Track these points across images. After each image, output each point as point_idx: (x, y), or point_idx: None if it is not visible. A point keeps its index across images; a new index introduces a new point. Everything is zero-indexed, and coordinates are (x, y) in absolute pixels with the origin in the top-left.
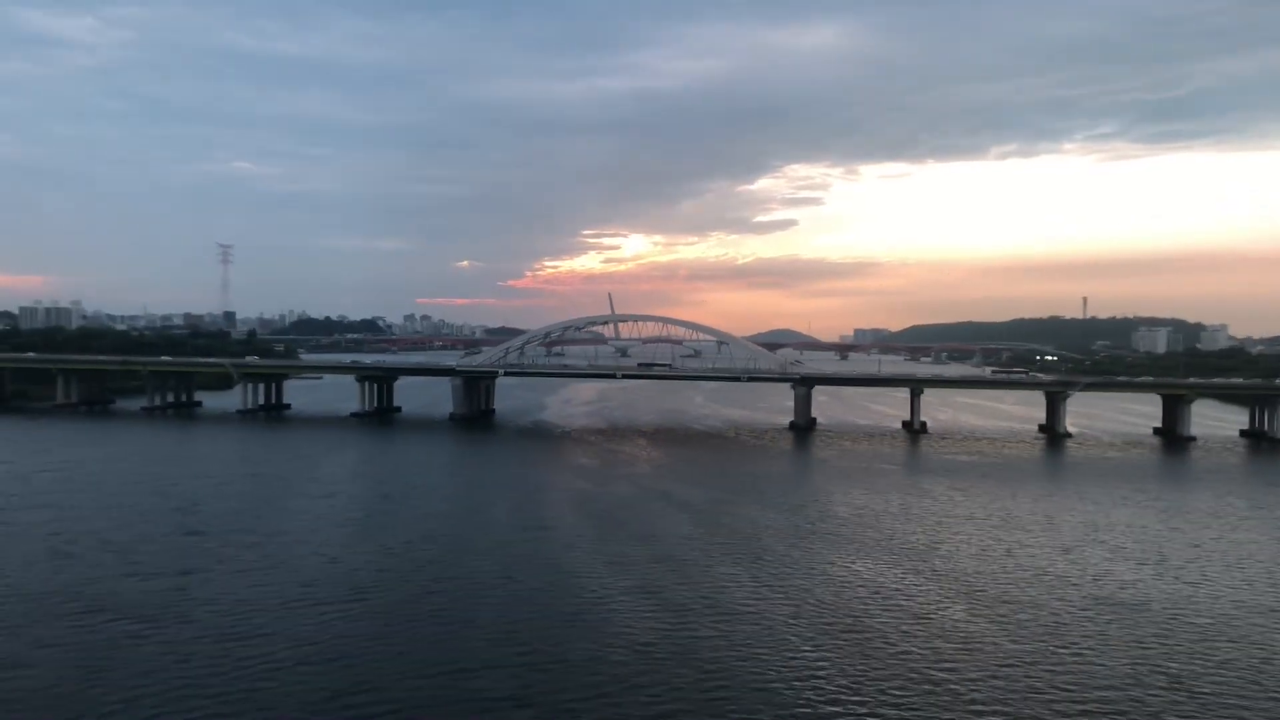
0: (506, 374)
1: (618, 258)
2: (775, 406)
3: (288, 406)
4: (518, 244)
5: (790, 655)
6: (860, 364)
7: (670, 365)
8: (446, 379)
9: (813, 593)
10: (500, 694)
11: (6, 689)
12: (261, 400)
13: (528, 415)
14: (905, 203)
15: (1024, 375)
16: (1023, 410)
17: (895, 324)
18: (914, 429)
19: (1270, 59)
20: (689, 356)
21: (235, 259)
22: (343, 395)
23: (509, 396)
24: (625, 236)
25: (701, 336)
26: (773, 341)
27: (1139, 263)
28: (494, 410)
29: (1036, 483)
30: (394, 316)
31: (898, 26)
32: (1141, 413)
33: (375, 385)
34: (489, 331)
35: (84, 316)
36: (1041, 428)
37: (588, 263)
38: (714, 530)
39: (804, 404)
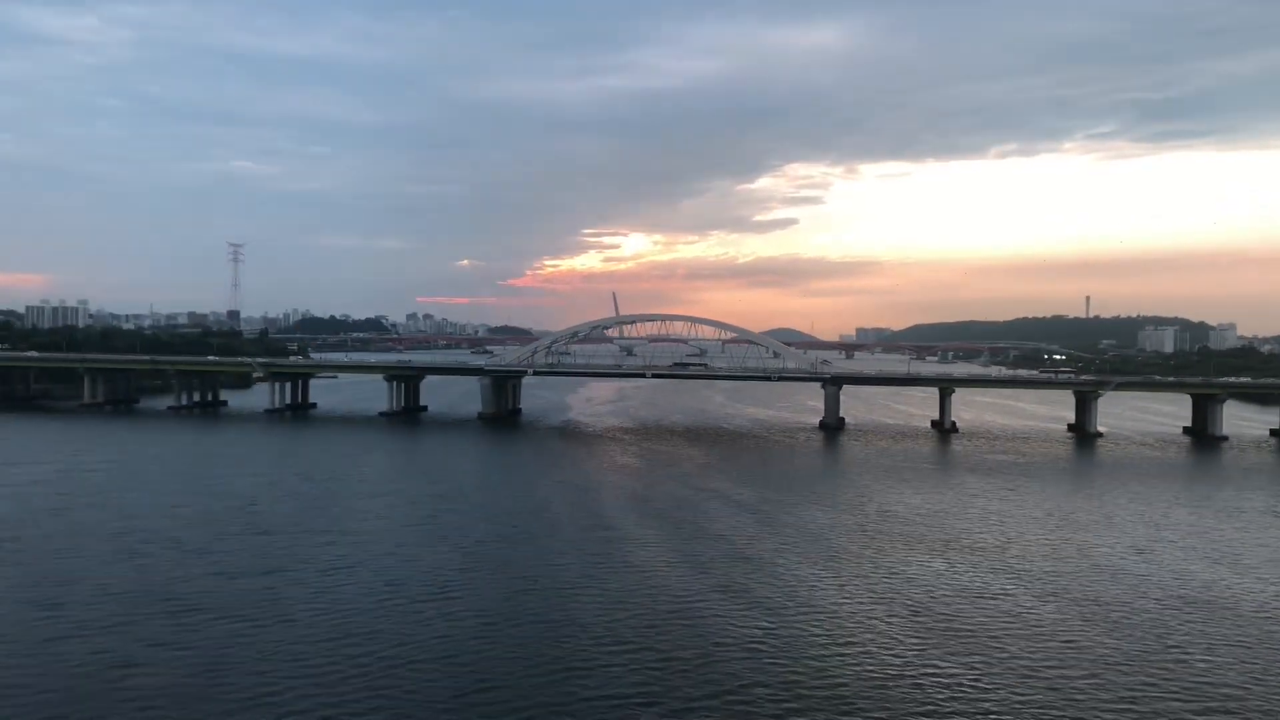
0: (535, 374)
1: (617, 257)
2: (797, 405)
3: (313, 406)
4: (518, 243)
5: (899, 655)
6: (868, 363)
7: (705, 365)
8: (462, 378)
9: (902, 592)
10: (620, 694)
11: (131, 688)
12: (288, 399)
13: (554, 415)
14: (905, 202)
15: (1070, 374)
16: (1044, 409)
17: (897, 323)
18: (945, 428)
19: (1270, 58)
20: (695, 355)
21: (226, 257)
22: (363, 394)
23: (530, 396)
24: (625, 236)
25: (726, 336)
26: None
27: (1140, 262)
28: (520, 410)
29: (1083, 482)
30: (395, 315)
31: (898, 26)
32: (1162, 411)
33: (403, 384)
34: (492, 331)
35: (90, 315)
36: (1070, 427)
37: (588, 262)
38: (779, 530)
39: (834, 403)
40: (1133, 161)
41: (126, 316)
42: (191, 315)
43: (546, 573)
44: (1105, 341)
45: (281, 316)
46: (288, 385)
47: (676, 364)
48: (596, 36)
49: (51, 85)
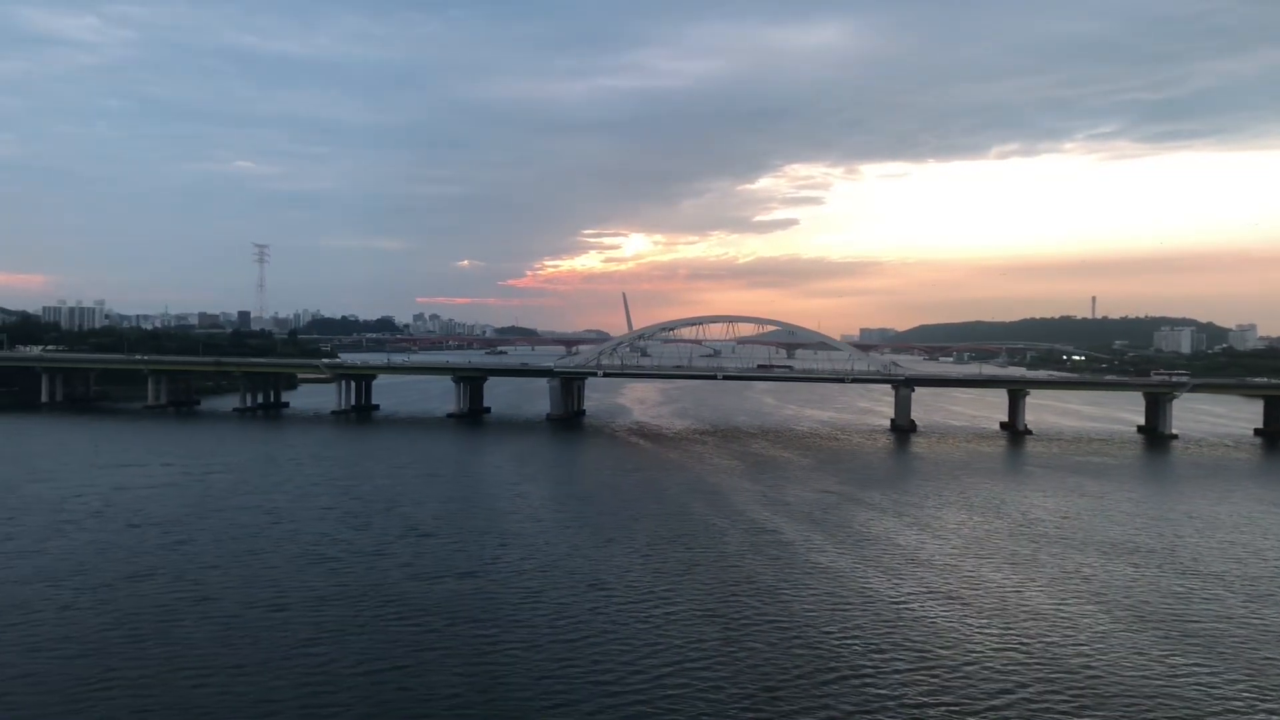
0: (606, 375)
1: (618, 257)
2: (847, 406)
3: (376, 407)
4: (518, 243)
5: (1153, 659)
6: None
7: (791, 367)
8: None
9: (1108, 595)
10: (913, 700)
11: (420, 688)
12: (354, 401)
13: (616, 417)
14: (906, 202)
15: (1163, 376)
16: (1096, 410)
17: (901, 324)
18: (1018, 430)
19: (1271, 58)
20: (709, 356)
21: (233, 258)
22: (413, 395)
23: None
24: (626, 236)
25: (798, 337)
26: (778, 340)
27: (1142, 262)
28: (584, 411)
29: (1192, 484)
30: (397, 316)
31: (900, 26)
32: (1215, 413)
33: (468, 386)
34: (499, 331)
35: (106, 316)
36: (1140, 428)
37: (588, 262)
38: (937, 533)
39: (906, 405)
40: (1134, 161)
41: (136, 317)
42: (202, 316)
43: (742, 577)
44: (1118, 342)
45: (292, 317)
46: (353, 386)
47: (761, 365)
48: (597, 36)
49: (52, 86)
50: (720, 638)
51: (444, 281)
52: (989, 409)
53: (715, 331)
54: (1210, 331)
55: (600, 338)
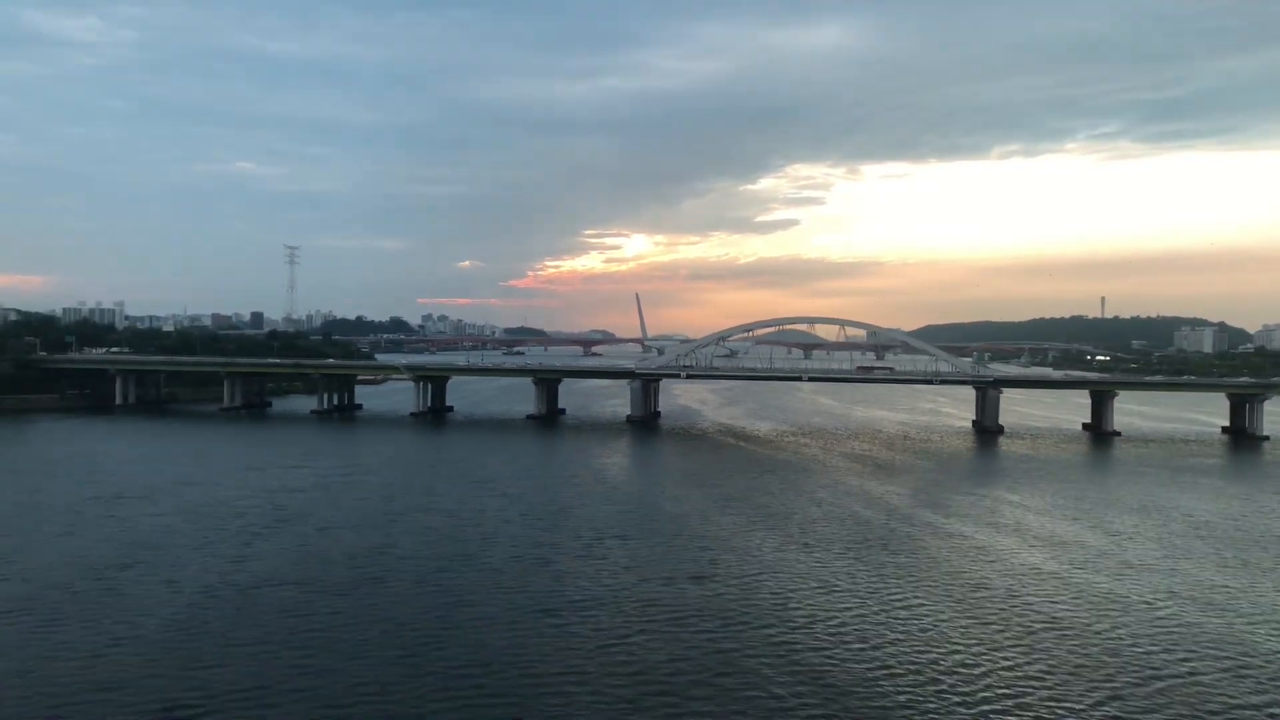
0: (690, 376)
1: (619, 258)
2: (913, 407)
3: (450, 409)
4: (519, 244)
5: None
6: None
7: (892, 369)
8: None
9: None
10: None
11: (756, 690)
12: (429, 403)
13: (691, 419)
14: (907, 202)
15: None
16: (1157, 410)
17: (907, 324)
18: (1105, 432)
19: (1273, 58)
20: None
21: (233, 259)
22: (479, 397)
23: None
24: (627, 236)
25: (880, 338)
26: (781, 340)
27: (1142, 262)
28: (659, 413)
29: None
30: (403, 316)
31: (902, 26)
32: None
33: (545, 387)
34: (508, 331)
35: (126, 317)
36: (1225, 429)
37: (589, 263)
38: (1130, 537)
39: (993, 407)
40: (1135, 161)
41: (148, 318)
42: (216, 317)
43: (978, 580)
44: (1136, 342)
45: (305, 319)
46: (429, 388)
47: (861, 368)
48: (599, 37)
49: (53, 86)
50: (1003, 642)
51: (445, 282)
52: (1049, 409)
53: (792, 331)
54: (1229, 332)
55: (607, 338)
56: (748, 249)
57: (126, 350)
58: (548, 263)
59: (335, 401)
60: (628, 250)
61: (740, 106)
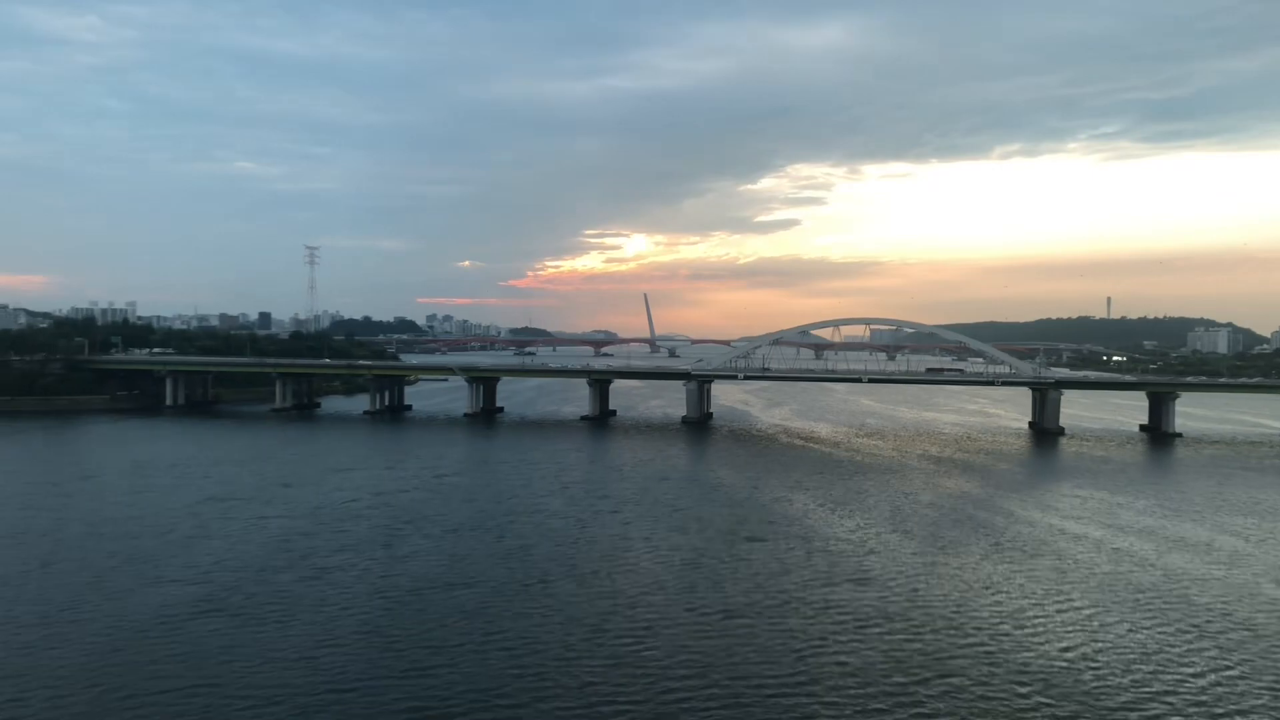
0: (746, 377)
1: (619, 258)
2: (959, 408)
3: (500, 410)
4: (519, 244)
5: None
6: (912, 364)
7: (961, 371)
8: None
9: None
10: None
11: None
12: (481, 404)
13: (744, 420)
14: (908, 203)
15: None
16: (1204, 411)
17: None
18: (1165, 433)
19: (1275, 58)
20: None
21: (234, 259)
22: (525, 398)
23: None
24: (627, 236)
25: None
26: (785, 340)
27: (1144, 262)
28: (711, 414)
29: None
30: (412, 317)
31: (904, 25)
32: None
33: (599, 388)
34: (513, 332)
35: (138, 318)
36: None
37: (589, 263)
38: (1251, 539)
39: (1054, 408)
40: (1136, 162)
41: (155, 318)
42: (223, 317)
43: (1131, 579)
44: (1148, 343)
45: (312, 319)
46: (480, 389)
47: (930, 369)
48: (601, 36)
49: (53, 85)
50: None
51: (444, 282)
52: (1091, 410)
53: (852, 331)
54: (1239, 333)
55: (610, 338)
56: (748, 249)
57: (169, 351)
58: (548, 263)
59: (386, 402)
60: (628, 250)
61: (741, 106)
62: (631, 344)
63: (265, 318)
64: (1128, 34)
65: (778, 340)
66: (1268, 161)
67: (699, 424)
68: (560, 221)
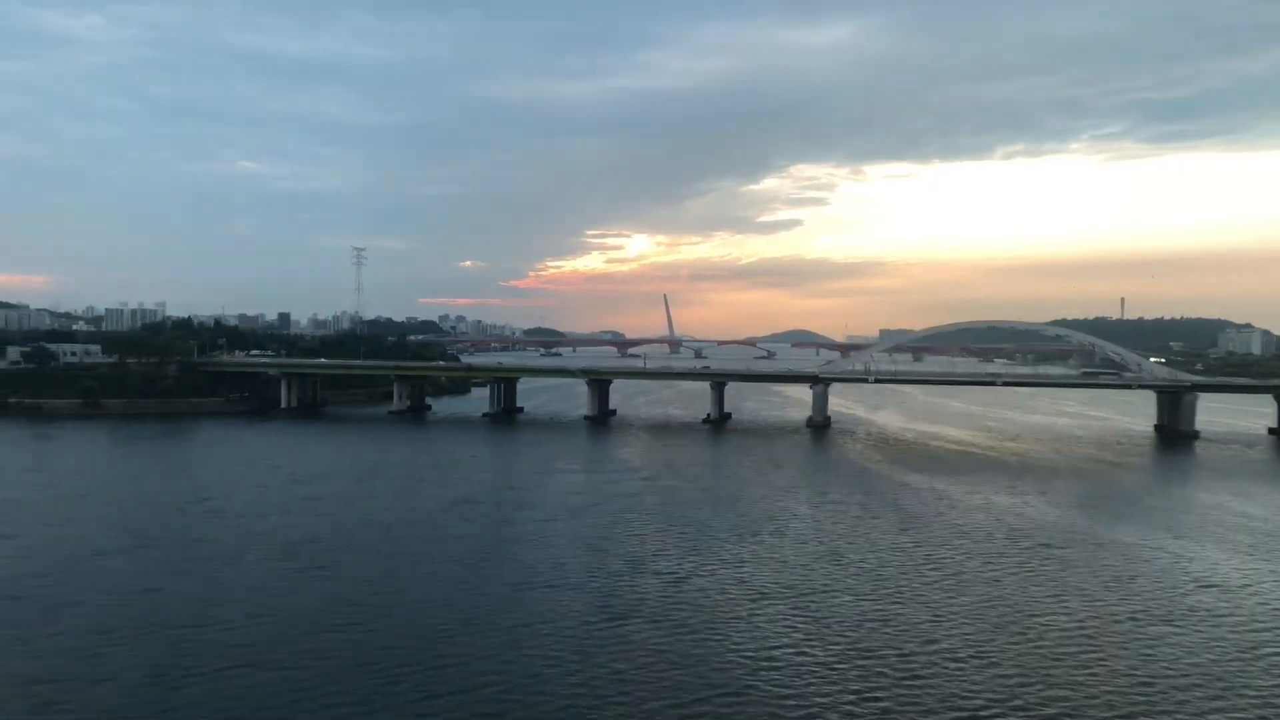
0: (877, 381)
1: (620, 258)
2: (1050, 409)
3: (613, 412)
4: (520, 244)
5: None
6: (939, 365)
7: (1117, 374)
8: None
9: None
10: None
11: None
12: (599, 408)
13: (858, 424)
14: (910, 203)
15: None
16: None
17: (918, 324)
18: None
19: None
20: (762, 358)
21: (236, 259)
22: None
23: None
24: (629, 237)
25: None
26: (781, 343)
27: (1147, 263)
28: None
29: None
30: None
31: (908, 25)
32: None
33: (719, 390)
34: (527, 332)
35: (168, 317)
36: None
37: (590, 263)
38: None
39: (1189, 411)
40: (1138, 162)
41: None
42: (242, 318)
43: None
44: (1174, 344)
45: (331, 319)
46: (600, 390)
47: (1087, 371)
48: (605, 36)
49: (57, 85)
50: None
51: (445, 282)
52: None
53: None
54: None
55: (616, 338)
56: (749, 249)
57: (267, 353)
58: (549, 263)
59: (501, 404)
60: (629, 250)
61: (744, 106)
62: (650, 344)
63: (285, 318)
64: (1131, 34)
65: (896, 346)
66: (1271, 162)
67: (822, 427)
68: (562, 221)
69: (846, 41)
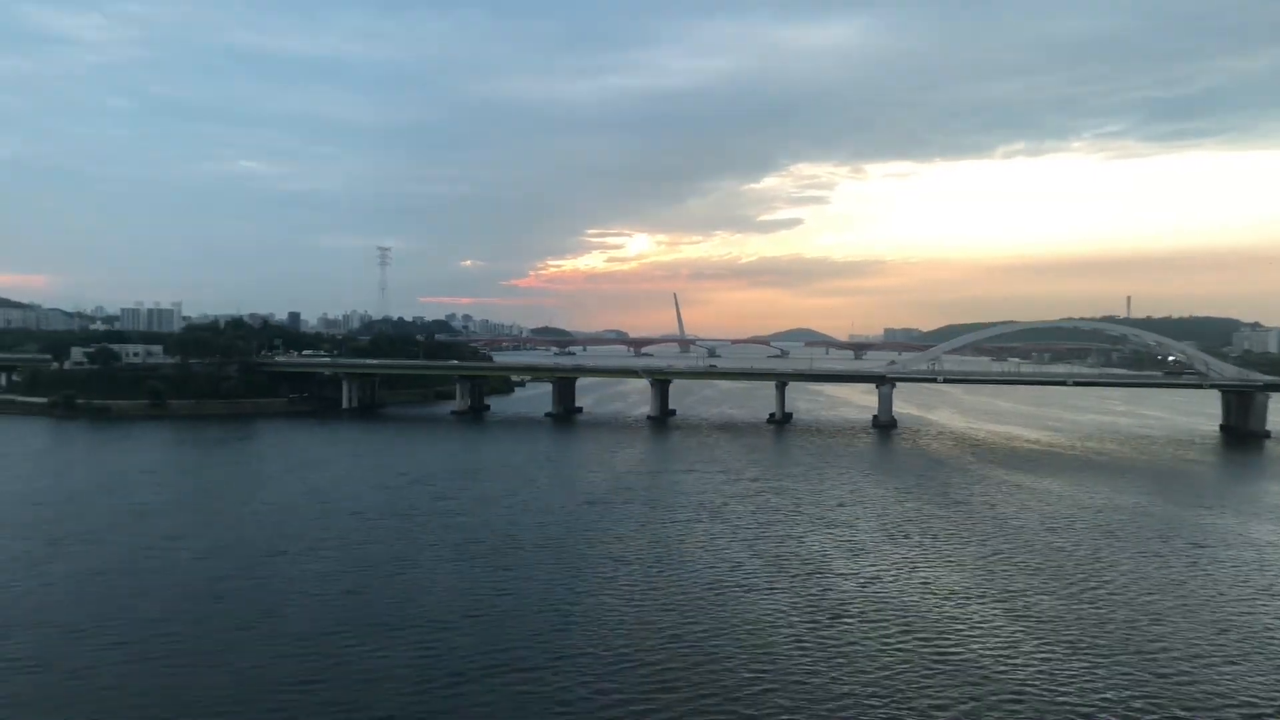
0: (946, 381)
1: (621, 257)
2: (1102, 409)
3: (673, 412)
4: (521, 243)
5: None
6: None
7: (1202, 375)
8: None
9: None
10: None
11: None
12: (660, 409)
13: (924, 424)
14: (911, 202)
15: None
16: None
17: (918, 323)
18: None
19: None
20: (775, 357)
21: (238, 259)
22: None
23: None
24: (629, 236)
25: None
26: (790, 342)
27: (1148, 262)
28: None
29: None
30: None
31: (908, 24)
32: None
33: (781, 391)
34: (535, 331)
35: (184, 318)
36: None
37: (591, 262)
38: None
39: (1261, 411)
40: (1140, 161)
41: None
42: (252, 317)
43: None
44: (1188, 343)
45: (341, 319)
46: (661, 390)
47: (1169, 372)
48: (606, 35)
49: (57, 84)
50: None
51: (446, 281)
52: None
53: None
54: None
55: (621, 337)
56: (750, 248)
57: (320, 353)
58: (549, 262)
59: (562, 404)
60: (630, 249)
61: (745, 105)
62: (661, 344)
63: (295, 318)
64: (1133, 32)
65: (973, 348)
66: (1276, 161)
67: (889, 427)
68: (562, 221)
69: (848, 40)
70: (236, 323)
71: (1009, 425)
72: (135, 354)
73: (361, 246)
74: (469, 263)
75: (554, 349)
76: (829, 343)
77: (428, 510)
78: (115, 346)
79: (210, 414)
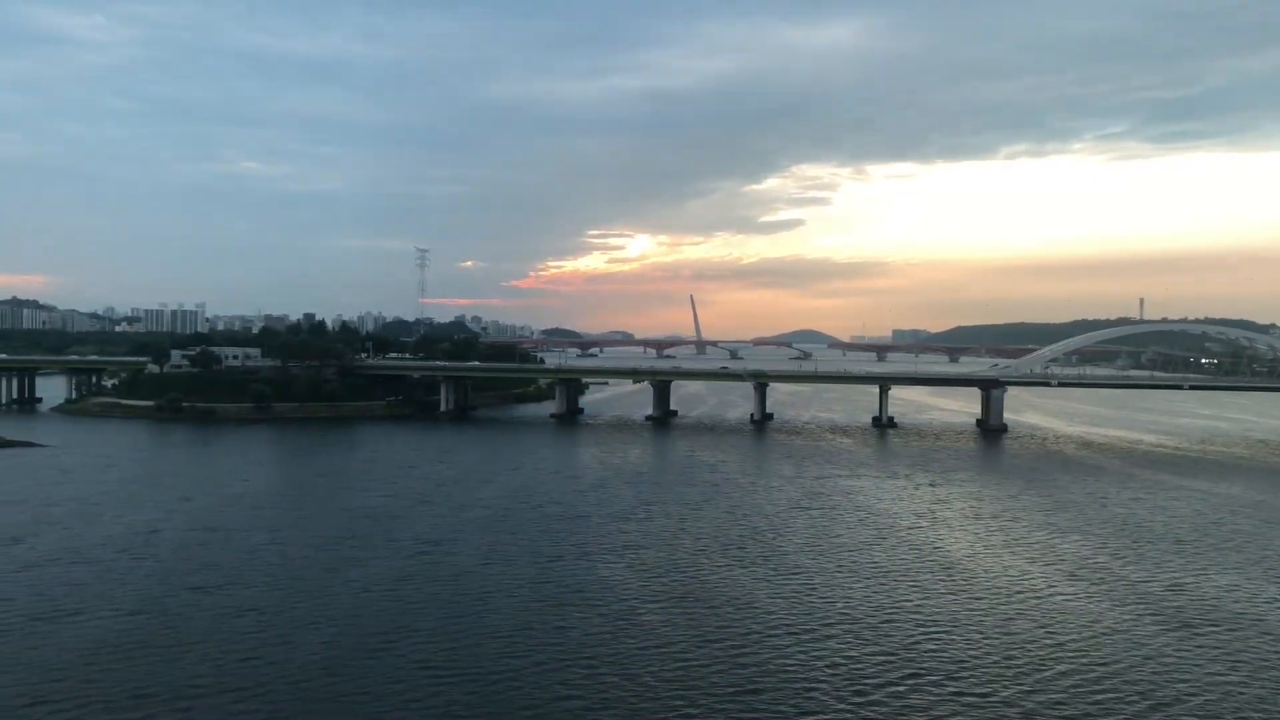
0: (1061, 384)
1: (622, 258)
2: (1174, 410)
3: (771, 417)
4: (522, 244)
5: None
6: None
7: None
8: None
9: None
10: None
11: None
12: (761, 411)
13: (1022, 429)
14: (913, 203)
15: None
16: None
17: (926, 324)
18: None
19: None
20: (796, 359)
21: (238, 259)
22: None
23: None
24: (630, 237)
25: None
26: (793, 342)
27: (1150, 262)
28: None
29: None
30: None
31: (910, 25)
32: None
33: (883, 396)
34: (544, 333)
35: (207, 319)
36: None
37: (591, 263)
38: None
39: None
40: (1142, 162)
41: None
42: (267, 318)
43: None
44: (1210, 344)
45: (356, 320)
46: (761, 393)
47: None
48: (607, 35)
49: (60, 85)
50: None
51: (446, 282)
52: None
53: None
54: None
55: (627, 339)
56: (751, 249)
57: (405, 356)
58: (550, 263)
59: (660, 408)
60: (631, 250)
61: (746, 106)
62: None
63: (310, 318)
64: (1136, 33)
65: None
66: (1275, 162)
67: (996, 431)
68: (563, 222)
69: (849, 41)
70: (316, 326)
71: (1111, 429)
72: (235, 356)
73: (362, 247)
74: (469, 263)
75: (576, 352)
76: (835, 344)
77: (668, 514)
78: (215, 349)
79: (313, 417)
